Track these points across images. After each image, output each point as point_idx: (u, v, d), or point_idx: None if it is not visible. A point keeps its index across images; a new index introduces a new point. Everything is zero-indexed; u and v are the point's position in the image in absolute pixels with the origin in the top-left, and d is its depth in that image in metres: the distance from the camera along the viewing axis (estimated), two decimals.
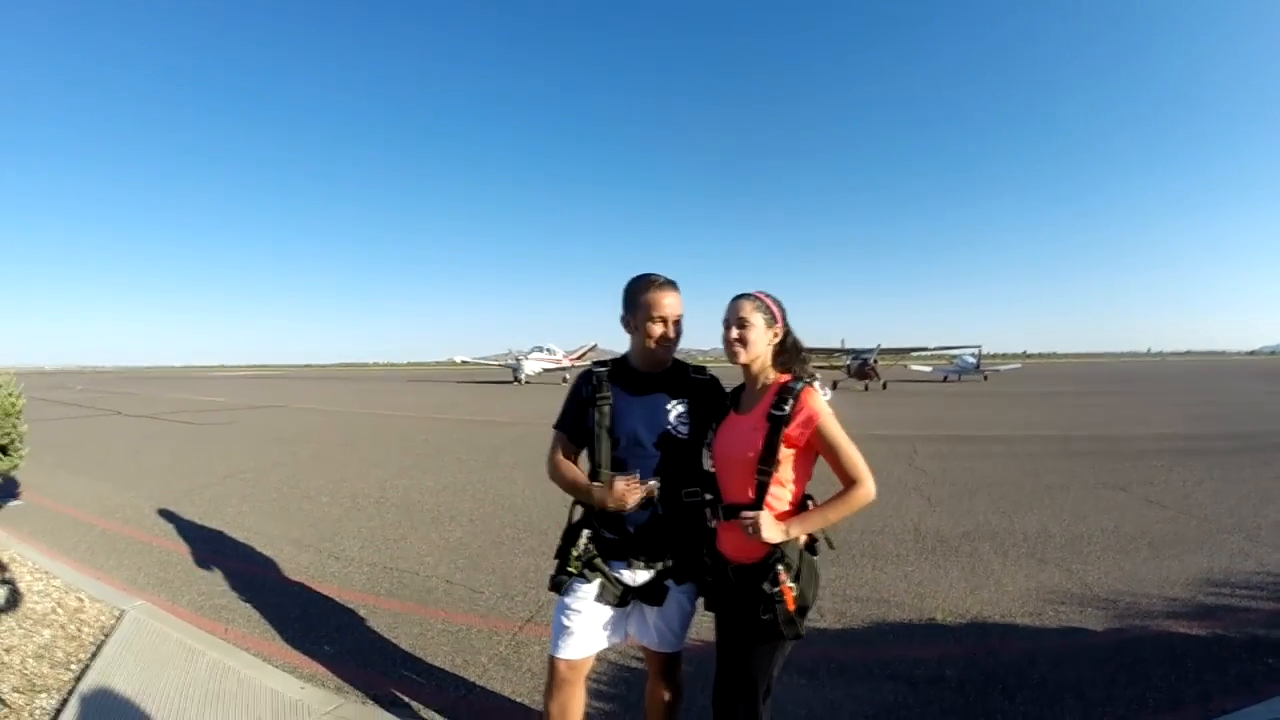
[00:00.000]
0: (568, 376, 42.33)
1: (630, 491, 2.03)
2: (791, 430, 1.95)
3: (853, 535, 5.63)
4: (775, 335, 2.11)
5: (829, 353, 37.22)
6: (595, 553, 2.15)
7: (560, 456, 2.31)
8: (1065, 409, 19.86)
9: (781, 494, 2.00)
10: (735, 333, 2.06)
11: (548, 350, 44.62)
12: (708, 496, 2.17)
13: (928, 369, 48.50)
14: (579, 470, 2.26)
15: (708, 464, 2.20)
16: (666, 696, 2.31)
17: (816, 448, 1.99)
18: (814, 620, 1.98)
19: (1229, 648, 3.60)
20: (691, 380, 2.28)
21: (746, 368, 2.12)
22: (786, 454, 1.98)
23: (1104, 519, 6.33)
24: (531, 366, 40.57)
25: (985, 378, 42.23)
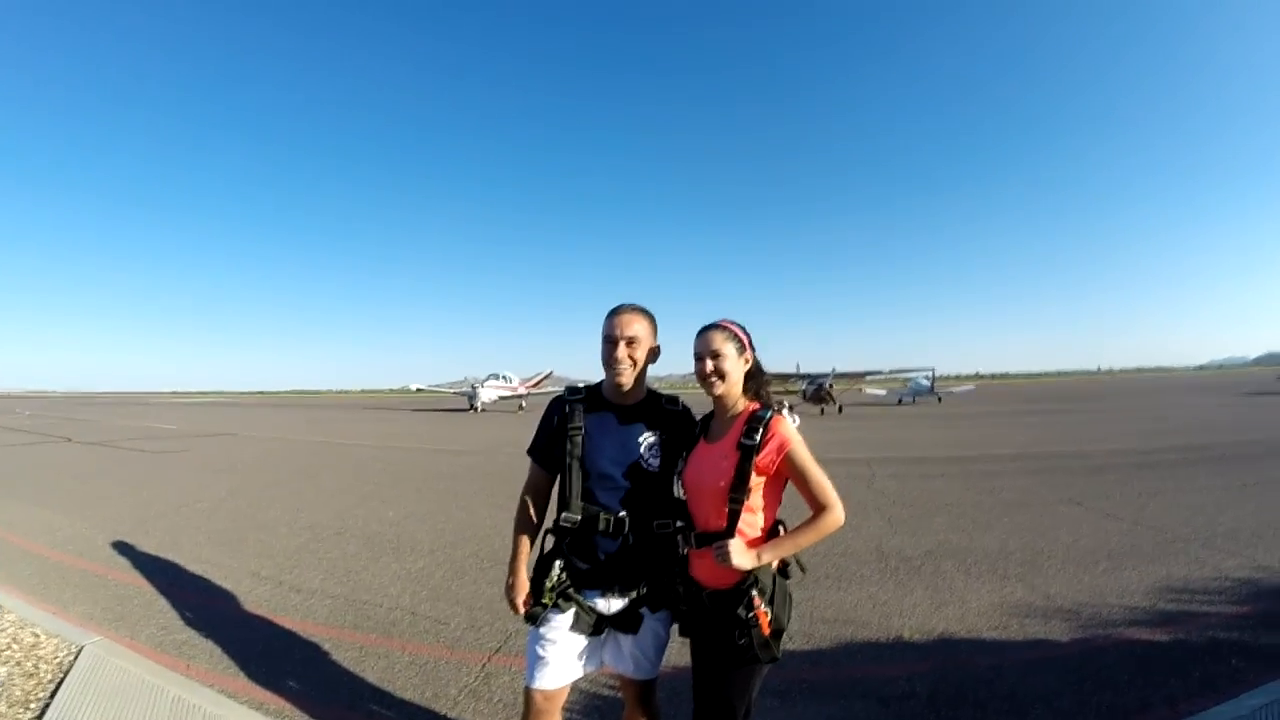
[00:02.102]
0: (524, 405, 41.77)
1: (519, 605, 2.18)
2: (762, 459, 1.97)
3: (816, 558, 5.67)
4: (746, 363, 2.15)
5: (784, 378, 37.42)
6: (569, 582, 2.15)
7: (530, 500, 2.33)
8: (1019, 428, 20.41)
9: (753, 521, 2.02)
10: (710, 365, 2.08)
11: (504, 378, 43.80)
12: (679, 524, 2.17)
13: (882, 392, 49.11)
14: (527, 541, 2.30)
15: (679, 491, 2.20)
16: None
17: (786, 474, 2.02)
18: (783, 642, 2.01)
19: (1192, 651, 3.75)
20: (665, 411, 2.28)
21: (720, 398, 2.15)
22: (757, 482, 2.00)
23: (1062, 534, 6.51)
24: (487, 394, 39.78)
25: (940, 400, 42.96)
